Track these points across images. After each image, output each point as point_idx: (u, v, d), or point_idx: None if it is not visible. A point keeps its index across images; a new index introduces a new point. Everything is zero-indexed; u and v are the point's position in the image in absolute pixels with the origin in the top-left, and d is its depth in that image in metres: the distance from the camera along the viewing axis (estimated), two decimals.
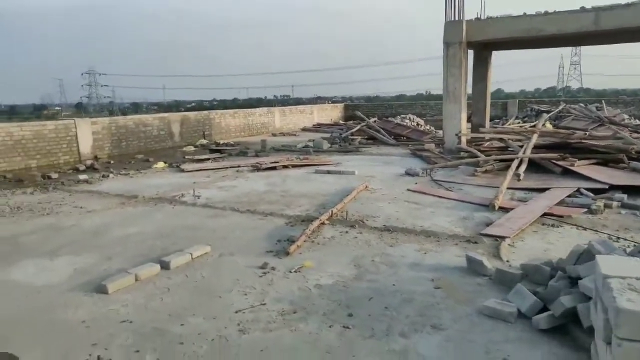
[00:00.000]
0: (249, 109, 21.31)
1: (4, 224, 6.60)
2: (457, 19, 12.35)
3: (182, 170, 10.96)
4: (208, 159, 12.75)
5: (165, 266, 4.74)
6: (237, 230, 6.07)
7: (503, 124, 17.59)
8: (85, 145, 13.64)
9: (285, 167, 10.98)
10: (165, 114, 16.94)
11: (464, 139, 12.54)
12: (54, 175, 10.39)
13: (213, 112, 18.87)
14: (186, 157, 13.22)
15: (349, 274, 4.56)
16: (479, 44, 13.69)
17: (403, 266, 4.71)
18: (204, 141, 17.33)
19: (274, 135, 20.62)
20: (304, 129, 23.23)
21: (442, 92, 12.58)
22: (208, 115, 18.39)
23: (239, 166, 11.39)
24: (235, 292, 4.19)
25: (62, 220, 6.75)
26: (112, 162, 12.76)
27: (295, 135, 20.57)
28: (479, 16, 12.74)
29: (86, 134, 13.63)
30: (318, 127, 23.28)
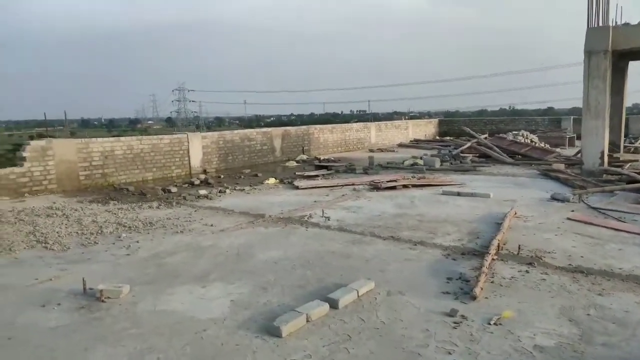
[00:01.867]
0: (346, 124, 20.86)
1: (143, 241, 6.41)
2: (601, 24, 10.91)
3: (297, 188, 10.53)
4: (317, 176, 12.28)
5: (333, 305, 4.10)
6: (392, 262, 5.33)
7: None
8: (196, 159, 13.80)
9: (405, 186, 10.16)
10: (268, 129, 16.89)
11: (606, 159, 10.97)
12: (173, 190, 10.41)
13: (312, 127, 18.60)
14: (296, 173, 12.83)
15: (569, 332, 3.61)
16: (617, 53, 12.07)
17: (638, 326, 3.68)
18: (304, 156, 17.04)
19: (371, 151, 19.92)
20: (401, 145, 22.32)
21: (582, 106, 11.14)
22: (307, 130, 18.14)
23: (353, 184, 10.76)
24: (433, 348, 3.42)
25: (198, 239, 6.43)
26: (222, 176, 12.71)
27: (393, 151, 19.72)
28: (624, 22, 11.21)
29: (197, 148, 13.81)
30: (416, 143, 22.26)
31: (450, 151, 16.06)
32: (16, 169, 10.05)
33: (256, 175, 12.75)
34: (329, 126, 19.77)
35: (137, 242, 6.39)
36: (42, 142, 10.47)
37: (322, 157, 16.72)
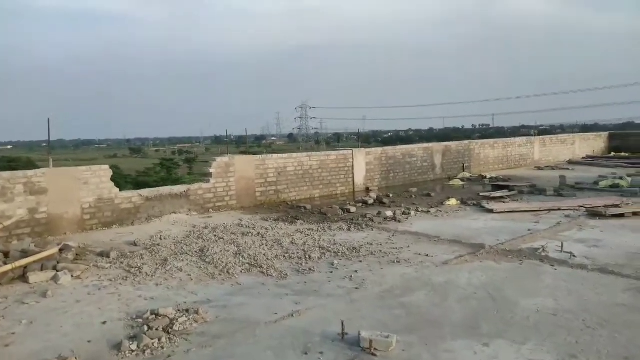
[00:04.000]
0: (508, 139, 18.89)
1: (362, 271, 5.71)
2: None
3: (491, 211, 9.23)
4: (502, 198, 10.82)
5: None
6: None
7: None
8: (359, 176, 13.23)
9: (635, 214, 8.28)
10: (429, 144, 15.80)
11: None
12: (352, 209, 9.82)
13: (473, 143, 17.09)
14: (480, 194, 11.44)
15: None
16: None
17: None
18: (467, 174, 15.57)
19: (539, 168, 17.68)
20: (571, 162, 19.58)
21: None
22: (468, 145, 16.66)
23: (559, 209, 9.13)
24: None
25: (425, 274, 5.55)
26: (390, 195, 11.89)
27: (568, 169, 17.22)
28: None
29: (361, 165, 13.24)
30: (591, 160, 19.37)
31: None
32: (204, 185, 10.32)
33: (429, 195, 11.70)
34: (491, 141, 18.03)
35: (356, 271, 5.71)
36: (225, 159, 10.67)
37: (488, 176, 15.10)
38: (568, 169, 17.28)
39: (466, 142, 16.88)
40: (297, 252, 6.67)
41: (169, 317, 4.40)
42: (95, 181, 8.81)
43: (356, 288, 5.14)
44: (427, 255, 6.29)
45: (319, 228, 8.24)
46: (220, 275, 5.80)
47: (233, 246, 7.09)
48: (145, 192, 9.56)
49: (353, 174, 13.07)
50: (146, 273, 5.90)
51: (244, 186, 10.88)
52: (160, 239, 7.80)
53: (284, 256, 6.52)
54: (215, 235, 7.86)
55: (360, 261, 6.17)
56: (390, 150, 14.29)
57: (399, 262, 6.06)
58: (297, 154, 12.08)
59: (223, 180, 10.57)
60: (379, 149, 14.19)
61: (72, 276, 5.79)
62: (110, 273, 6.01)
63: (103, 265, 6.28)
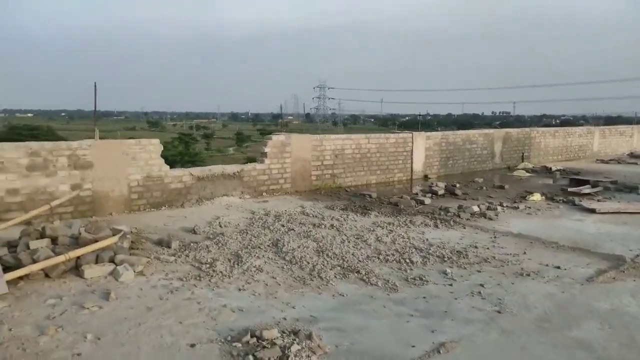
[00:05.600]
0: (568, 128, 17.49)
1: (492, 287, 4.62)
2: None
3: (592, 211, 8.01)
4: (590, 194, 9.59)
5: None
6: None
7: None
8: (418, 163, 12.07)
9: None
10: (490, 130, 14.52)
11: None
12: (426, 200, 8.70)
13: (534, 130, 15.74)
14: (569, 189, 10.15)
15: None
16: None
17: None
18: (529, 165, 14.28)
19: (603, 161, 16.27)
20: (633, 155, 18.10)
21: None
22: (529, 133, 15.31)
23: None
24: None
25: (574, 295, 4.44)
26: (456, 184, 10.70)
27: (636, 163, 15.79)
28: None
29: (420, 150, 12.06)
30: None
31: None
32: (258, 166, 9.26)
33: (502, 187, 10.50)
34: (551, 129, 16.68)
35: (482, 285, 4.63)
36: (282, 137, 9.57)
37: (553, 167, 13.79)
38: (637, 163, 15.85)
39: (527, 129, 15.52)
40: (392, 254, 5.60)
41: (277, 344, 3.38)
42: (144, 156, 7.81)
43: (498, 312, 4.05)
44: (558, 268, 5.17)
45: (400, 222, 7.15)
46: (311, 280, 4.77)
47: (310, 241, 6.06)
48: (197, 171, 8.54)
49: (412, 159, 11.91)
50: (221, 272, 4.90)
51: (299, 168, 9.80)
52: (220, 226, 6.81)
53: (378, 258, 5.46)
54: (282, 226, 6.83)
55: (478, 271, 5.07)
56: (450, 135, 13.05)
57: (527, 274, 4.95)
58: (356, 135, 10.93)
59: (278, 161, 9.50)
60: (439, 133, 12.97)
61: (134, 271, 4.81)
62: (177, 269, 5.02)
63: (167, 259, 5.30)
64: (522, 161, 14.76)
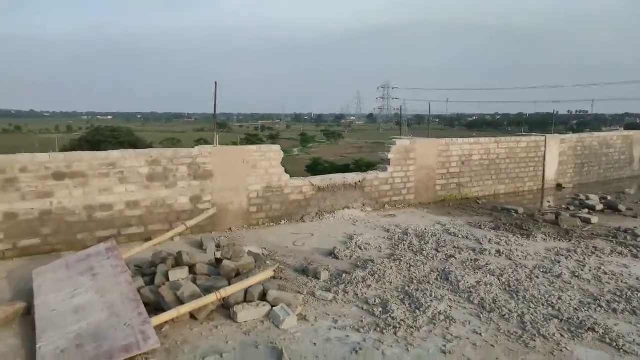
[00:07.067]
0: None
1: None
2: None
3: None
4: None
5: None
6: None
7: None
8: (551, 170, 10.42)
9: None
10: (629, 132, 12.48)
11: None
12: (593, 219, 7.15)
13: None
14: None
15: None
16: None
17: None
18: None
19: None
20: None
21: None
22: None
23: None
24: None
25: None
26: (608, 197, 8.97)
27: None
28: None
29: (554, 155, 10.40)
30: None
31: None
32: (380, 174, 8.13)
33: None
34: None
35: None
36: (406, 142, 8.38)
37: None
38: None
39: None
40: (613, 299, 4.23)
41: None
42: (264, 165, 6.91)
43: None
44: None
45: (582, 249, 5.71)
46: (532, 339, 3.52)
47: (489, 275, 4.81)
48: (317, 180, 7.55)
49: (544, 166, 10.29)
50: (403, 321, 3.78)
51: (423, 177, 8.56)
52: (360, 248, 5.74)
53: (599, 305, 4.11)
54: (435, 250, 5.64)
55: None
56: (587, 138, 11.24)
57: None
58: (484, 139, 9.50)
59: (402, 169, 8.31)
60: (574, 136, 11.20)
61: (295, 314, 3.82)
62: (343, 312, 3.97)
63: (323, 296, 4.27)
64: None
